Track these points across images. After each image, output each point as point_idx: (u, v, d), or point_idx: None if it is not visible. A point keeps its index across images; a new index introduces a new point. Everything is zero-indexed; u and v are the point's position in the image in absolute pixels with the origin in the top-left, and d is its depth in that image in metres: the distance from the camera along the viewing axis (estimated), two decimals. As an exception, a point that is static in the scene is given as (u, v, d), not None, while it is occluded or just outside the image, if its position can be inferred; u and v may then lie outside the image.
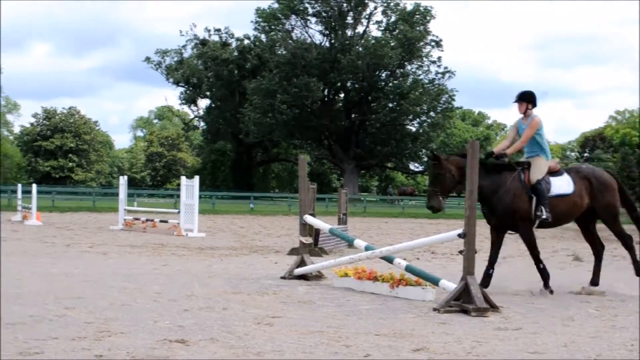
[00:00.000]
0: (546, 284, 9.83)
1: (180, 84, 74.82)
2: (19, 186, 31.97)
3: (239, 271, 11.76)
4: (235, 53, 72.74)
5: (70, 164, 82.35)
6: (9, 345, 5.70)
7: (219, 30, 74.69)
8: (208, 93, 74.63)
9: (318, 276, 10.80)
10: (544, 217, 9.62)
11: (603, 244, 10.66)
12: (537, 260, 9.94)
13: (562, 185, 9.96)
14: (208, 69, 71.83)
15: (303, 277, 10.65)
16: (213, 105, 75.90)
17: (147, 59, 74.57)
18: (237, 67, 71.86)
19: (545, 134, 10.14)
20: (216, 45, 72.05)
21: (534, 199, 9.72)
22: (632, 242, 10.42)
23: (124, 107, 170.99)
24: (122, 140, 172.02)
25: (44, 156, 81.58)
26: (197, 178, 21.94)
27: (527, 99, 10.05)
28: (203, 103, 78.20)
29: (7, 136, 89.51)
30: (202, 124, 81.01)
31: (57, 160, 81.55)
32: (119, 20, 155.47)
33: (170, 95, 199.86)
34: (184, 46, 74.69)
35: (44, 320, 6.85)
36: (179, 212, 21.98)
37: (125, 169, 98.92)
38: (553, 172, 10.03)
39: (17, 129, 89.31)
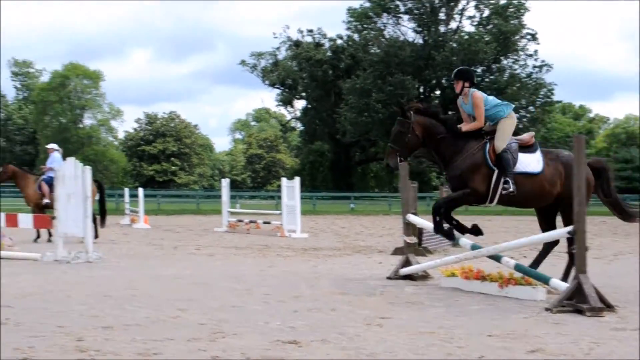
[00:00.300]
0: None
1: (275, 86, 75.79)
2: (126, 190, 33.03)
3: (344, 272, 11.77)
4: (329, 53, 73.04)
5: (173, 167, 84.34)
6: (127, 346, 5.87)
7: (311, 31, 75.12)
8: (304, 94, 75.25)
9: (424, 276, 10.69)
10: (510, 189, 9.00)
11: (558, 240, 9.56)
12: (446, 219, 9.46)
13: (530, 162, 9.21)
14: (302, 70, 72.41)
15: (409, 277, 10.56)
16: (309, 106, 76.42)
17: (243, 62, 75.87)
18: (331, 67, 72.13)
19: (491, 98, 9.51)
20: (310, 46, 72.55)
21: (495, 173, 9.12)
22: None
23: (222, 110, 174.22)
24: (221, 143, 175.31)
25: (148, 160, 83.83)
26: (297, 179, 22.02)
27: (462, 77, 9.62)
28: (299, 104, 78.96)
29: (112, 142, 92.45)
30: (299, 125, 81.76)
31: (160, 164, 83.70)
32: (212, 24, 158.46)
33: (267, 97, 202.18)
34: (277, 48, 75.58)
35: (159, 321, 7.03)
36: (280, 213, 22.21)
37: (226, 172, 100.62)
38: (525, 147, 9.34)
39: (121, 135, 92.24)
